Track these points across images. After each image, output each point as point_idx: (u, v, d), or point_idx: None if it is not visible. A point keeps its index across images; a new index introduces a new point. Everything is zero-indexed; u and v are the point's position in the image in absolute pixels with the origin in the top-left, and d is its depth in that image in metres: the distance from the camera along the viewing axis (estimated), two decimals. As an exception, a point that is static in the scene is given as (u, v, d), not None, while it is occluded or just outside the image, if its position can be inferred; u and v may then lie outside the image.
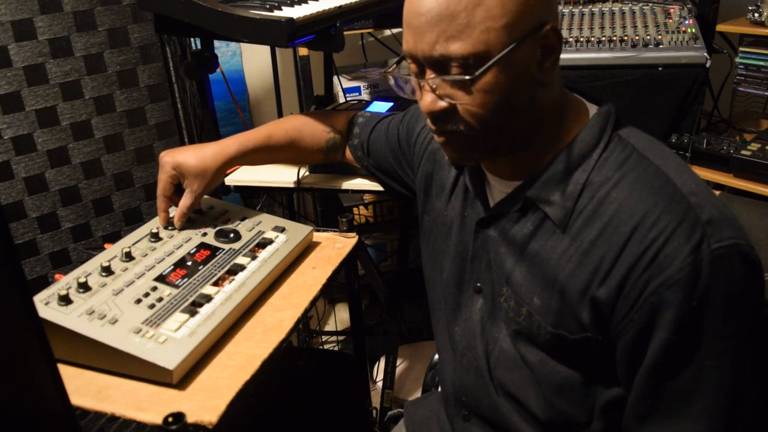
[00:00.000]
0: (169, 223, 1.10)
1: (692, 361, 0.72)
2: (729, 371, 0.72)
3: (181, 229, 1.09)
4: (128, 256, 0.99)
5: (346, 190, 1.41)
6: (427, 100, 0.79)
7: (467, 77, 0.74)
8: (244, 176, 1.47)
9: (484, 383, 0.92)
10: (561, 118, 0.83)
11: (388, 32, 2.40)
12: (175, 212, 1.10)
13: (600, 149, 0.80)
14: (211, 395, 0.80)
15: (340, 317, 2.46)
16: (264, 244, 1.08)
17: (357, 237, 1.21)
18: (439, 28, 0.73)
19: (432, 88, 0.78)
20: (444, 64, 0.75)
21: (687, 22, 1.72)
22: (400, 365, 2.11)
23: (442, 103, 0.78)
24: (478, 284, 0.93)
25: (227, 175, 1.46)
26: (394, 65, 0.89)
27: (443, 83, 0.77)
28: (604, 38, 1.71)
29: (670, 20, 1.74)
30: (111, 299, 0.90)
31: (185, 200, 1.09)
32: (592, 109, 0.85)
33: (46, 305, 0.87)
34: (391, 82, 0.87)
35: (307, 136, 1.25)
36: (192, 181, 1.09)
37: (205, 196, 1.21)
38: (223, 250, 1.05)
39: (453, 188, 0.99)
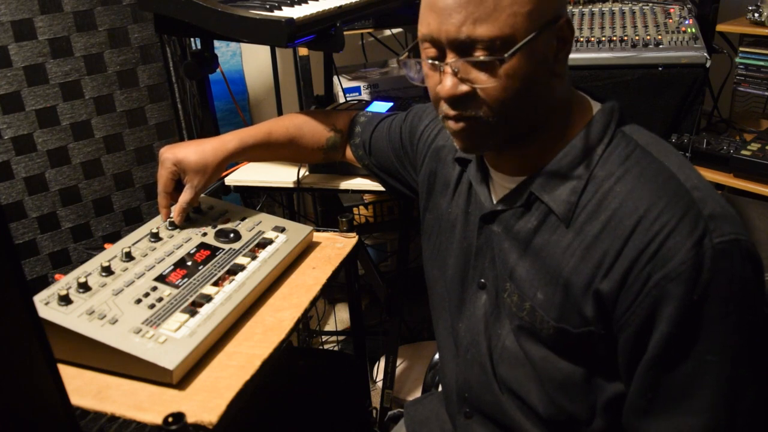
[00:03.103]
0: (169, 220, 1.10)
1: (692, 355, 0.72)
2: (729, 366, 0.72)
3: (182, 227, 1.09)
4: (128, 256, 0.99)
5: (346, 190, 1.41)
6: (448, 84, 0.77)
7: (497, 59, 0.74)
8: (244, 176, 1.46)
9: (488, 380, 0.92)
10: (568, 112, 0.84)
11: (388, 32, 2.40)
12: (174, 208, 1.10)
13: (604, 145, 0.81)
14: (211, 395, 0.80)
15: (340, 317, 2.46)
16: (264, 244, 1.08)
17: (357, 237, 1.21)
18: (467, 10, 0.74)
19: (454, 72, 0.77)
20: (468, 46, 0.75)
21: (687, 22, 1.72)
22: (400, 365, 2.11)
23: (464, 87, 0.77)
24: (482, 280, 0.93)
25: (227, 175, 1.46)
26: (406, 53, 0.88)
27: (466, 66, 0.77)
28: (604, 38, 1.71)
29: (670, 20, 1.74)
30: (111, 299, 0.90)
31: (185, 195, 1.10)
32: (596, 106, 0.86)
33: (46, 305, 0.87)
34: (404, 70, 0.88)
35: (307, 134, 1.25)
36: (192, 177, 1.10)
37: (206, 196, 1.21)
38: (223, 250, 1.05)
39: (456, 185, 0.99)
